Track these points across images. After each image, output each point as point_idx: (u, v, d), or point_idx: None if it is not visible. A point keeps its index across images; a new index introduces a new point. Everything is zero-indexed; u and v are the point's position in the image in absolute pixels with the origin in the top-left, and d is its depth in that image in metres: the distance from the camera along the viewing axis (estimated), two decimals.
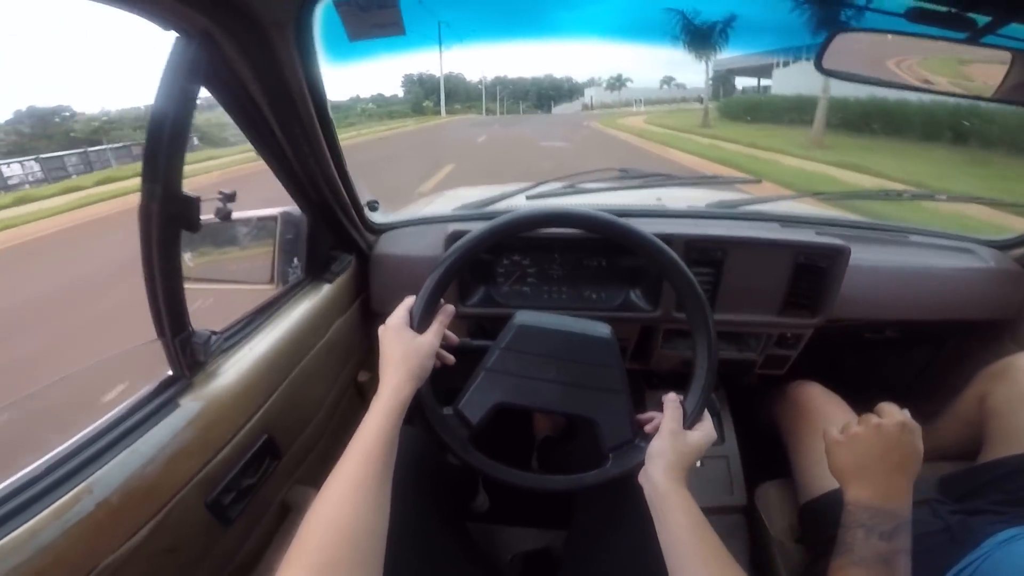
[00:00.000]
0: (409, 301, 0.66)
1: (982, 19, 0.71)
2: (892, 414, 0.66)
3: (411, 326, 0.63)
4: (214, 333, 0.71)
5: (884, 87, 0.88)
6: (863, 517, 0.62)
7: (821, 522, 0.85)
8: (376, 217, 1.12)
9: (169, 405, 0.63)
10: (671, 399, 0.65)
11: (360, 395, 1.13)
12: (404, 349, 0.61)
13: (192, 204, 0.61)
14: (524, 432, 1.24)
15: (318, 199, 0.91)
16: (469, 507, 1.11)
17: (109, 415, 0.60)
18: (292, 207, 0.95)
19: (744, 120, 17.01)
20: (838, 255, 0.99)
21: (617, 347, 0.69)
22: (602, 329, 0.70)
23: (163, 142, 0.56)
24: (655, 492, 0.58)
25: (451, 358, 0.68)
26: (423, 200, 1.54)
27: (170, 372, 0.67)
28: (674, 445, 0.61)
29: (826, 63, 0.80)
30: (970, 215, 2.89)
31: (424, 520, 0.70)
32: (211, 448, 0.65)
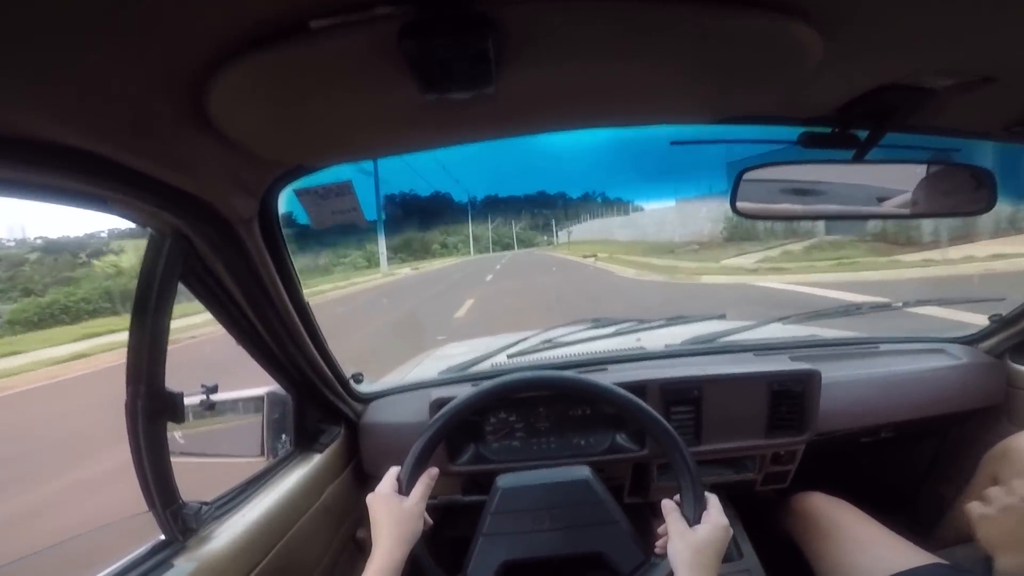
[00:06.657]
0: (395, 470, 0.71)
1: (863, 134, 0.77)
2: None
3: (399, 492, 0.69)
4: (204, 504, 0.75)
5: (802, 219, 0.90)
6: None
7: None
8: (362, 387, 1.17)
9: (163, 566, 0.66)
10: (667, 505, 0.69)
11: (360, 550, 1.13)
12: (392, 515, 0.66)
13: (176, 400, 0.65)
14: None
15: (302, 380, 0.96)
16: None
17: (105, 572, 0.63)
18: (277, 387, 1.00)
19: None
20: (809, 379, 1.03)
21: (600, 484, 0.74)
22: (581, 472, 0.75)
23: (145, 342, 0.60)
24: None
25: (429, 520, 0.73)
26: (412, 361, 1.59)
27: (163, 536, 0.70)
28: (687, 543, 0.64)
29: (740, 207, 0.79)
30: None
31: None
32: None
